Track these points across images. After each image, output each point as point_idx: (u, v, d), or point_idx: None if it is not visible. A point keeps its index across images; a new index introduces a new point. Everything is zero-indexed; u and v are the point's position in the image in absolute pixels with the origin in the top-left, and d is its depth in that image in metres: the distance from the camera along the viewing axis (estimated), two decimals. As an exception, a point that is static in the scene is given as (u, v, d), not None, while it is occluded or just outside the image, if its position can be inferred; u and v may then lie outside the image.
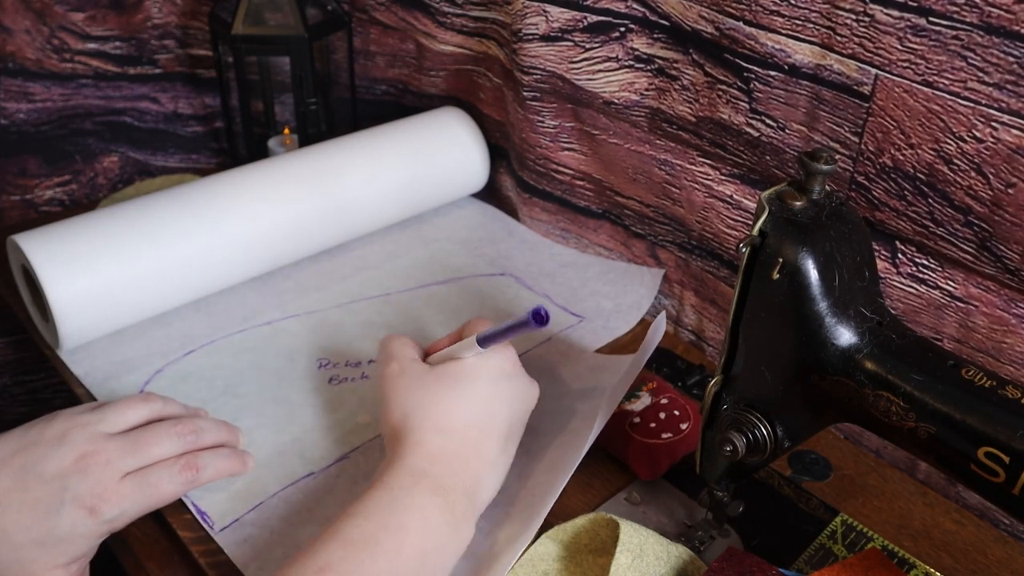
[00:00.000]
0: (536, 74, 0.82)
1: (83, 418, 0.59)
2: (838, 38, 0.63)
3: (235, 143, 1.01)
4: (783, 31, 0.66)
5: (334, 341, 0.78)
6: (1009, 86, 0.55)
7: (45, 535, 0.55)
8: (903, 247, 0.65)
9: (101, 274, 0.73)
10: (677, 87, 0.75)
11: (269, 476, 0.65)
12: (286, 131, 1.00)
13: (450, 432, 0.58)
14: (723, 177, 0.75)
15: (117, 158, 1.00)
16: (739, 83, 0.70)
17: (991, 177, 0.58)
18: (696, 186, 0.77)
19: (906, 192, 0.63)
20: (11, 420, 0.62)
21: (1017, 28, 0.54)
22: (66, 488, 0.55)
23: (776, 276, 0.48)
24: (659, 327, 0.67)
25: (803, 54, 0.65)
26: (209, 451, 0.62)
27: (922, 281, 0.65)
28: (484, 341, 0.60)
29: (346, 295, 0.84)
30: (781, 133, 0.69)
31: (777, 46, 0.66)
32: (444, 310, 0.82)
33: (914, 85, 0.60)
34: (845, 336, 0.49)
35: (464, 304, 0.83)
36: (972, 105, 0.57)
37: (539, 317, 0.55)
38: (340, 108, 1.04)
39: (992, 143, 0.57)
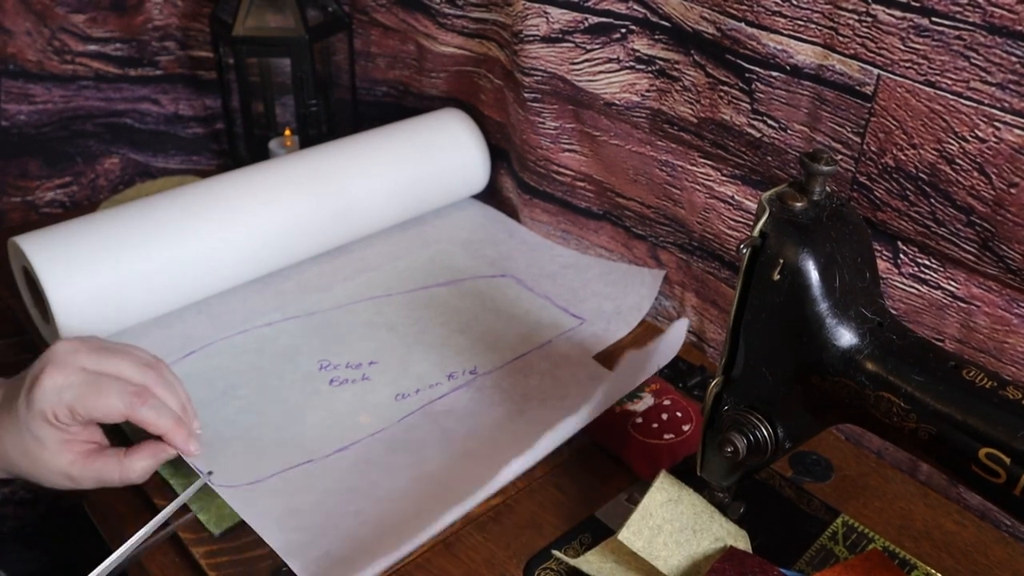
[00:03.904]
0: (537, 75, 0.82)
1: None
2: (840, 38, 0.63)
3: (236, 145, 1.01)
4: (785, 32, 0.65)
5: (335, 342, 0.78)
6: (1012, 86, 0.55)
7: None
8: (905, 247, 0.65)
9: (102, 275, 0.73)
10: (678, 88, 0.75)
11: (269, 460, 0.66)
12: (287, 132, 1.00)
13: None
14: (724, 178, 0.75)
15: (118, 160, 1.00)
16: (741, 84, 0.70)
17: (993, 177, 0.58)
18: (697, 187, 0.77)
19: (908, 192, 0.63)
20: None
21: (1020, 28, 0.54)
22: (31, 369, 0.59)
23: (777, 277, 0.48)
24: (677, 334, 0.67)
25: (805, 55, 0.65)
26: (164, 405, 0.61)
27: (924, 281, 0.65)
28: None
29: (347, 296, 0.83)
30: (783, 134, 0.69)
31: (779, 47, 0.66)
32: (445, 311, 0.82)
33: (916, 85, 0.59)
34: (846, 337, 0.49)
35: (465, 306, 0.82)
36: (975, 105, 0.57)
37: None
38: (341, 109, 1.04)
39: (994, 143, 0.57)
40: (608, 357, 0.77)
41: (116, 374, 0.60)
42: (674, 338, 0.68)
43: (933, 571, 0.59)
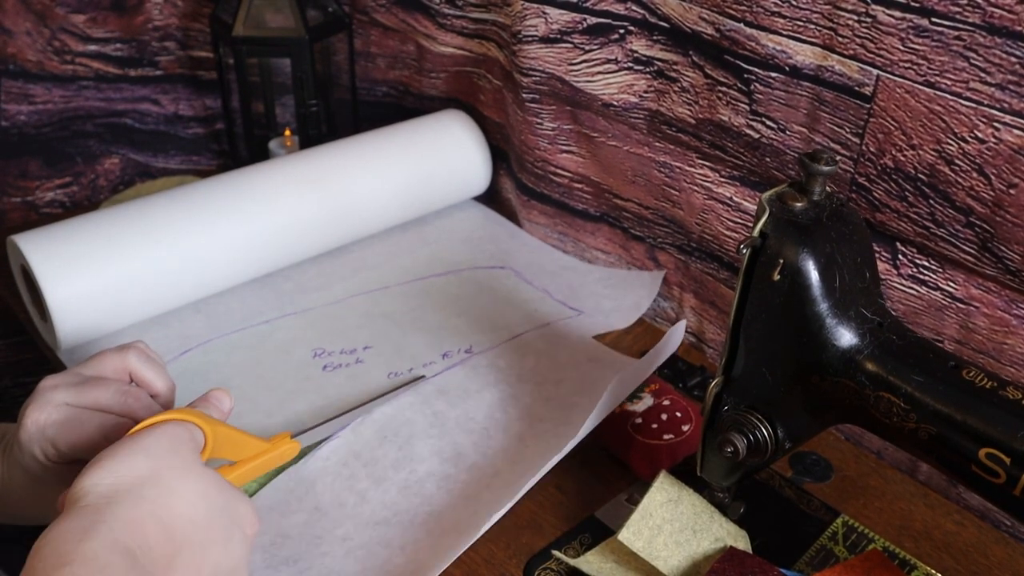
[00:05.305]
0: (535, 76, 0.82)
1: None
2: (840, 39, 0.63)
3: (236, 145, 1.01)
4: (784, 32, 0.66)
5: (330, 332, 0.78)
6: (1011, 86, 0.55)
7: None
8: (904, 248, 0.65)
9: (99, 274, 0.73)
10: (677, 89, 0.75)
11: None
12: (287, 133, 1.00)
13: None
14: (722, 179, 0.75)
15: (118, 160, 1.00)
16: (739, 84, 0.70)
17: (993, 178, 0.58)
18: (695, 188, 0.77)
19: (907, 193, 0.63)
20: (11, 422, 0.62)
21: (1019, 28, 0.54)
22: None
23: (777, 277, 0.48)
24: (675, 335, 0.67)
25: (804, 55, 0.65)
26: None
27: (923, 282, 0.65)
28: None
29: (345, 293, 0.84)
30: (781, 135, 0.69)
31: (778, 47, 0.66)
32: (443, 298, 0.82)
33: (916, 86, 0.60)
34: (846, 337, 0.49)
35: (463, 293, 0.82)
36: (974, 106, 0.57)
37: None
38: (341, 110, 1.04)
39: (994, 143, 0.57)
40: (606, 348, 0.77)
41: (96, 407, 0.58)
42: (670, 346, 0.68)
43: (933, 571, 0.59)
